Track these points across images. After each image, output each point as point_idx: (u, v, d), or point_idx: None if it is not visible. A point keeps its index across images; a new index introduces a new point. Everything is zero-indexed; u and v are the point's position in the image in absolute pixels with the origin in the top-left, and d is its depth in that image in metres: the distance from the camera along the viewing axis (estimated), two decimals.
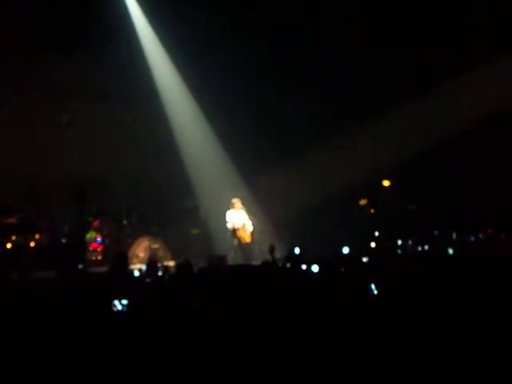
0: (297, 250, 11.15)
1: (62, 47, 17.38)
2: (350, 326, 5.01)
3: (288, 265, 9.36)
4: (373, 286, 5.91)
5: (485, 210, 16.12)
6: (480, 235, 13.38)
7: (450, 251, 9.58)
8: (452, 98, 17.28)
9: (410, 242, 14.21)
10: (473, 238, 13.58)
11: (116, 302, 6.02)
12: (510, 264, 6.84)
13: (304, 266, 8.45)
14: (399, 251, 10.92)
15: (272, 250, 10.90)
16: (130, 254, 14.76)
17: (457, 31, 16.81)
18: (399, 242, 14.46)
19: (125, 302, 6.10)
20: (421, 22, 17.01)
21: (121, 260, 8.59)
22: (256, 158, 19.00)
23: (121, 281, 7.61)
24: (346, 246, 11.36)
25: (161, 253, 16.73)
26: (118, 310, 6.06)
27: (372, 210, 18.59)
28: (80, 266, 14.99)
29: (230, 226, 15.71)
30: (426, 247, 12.34)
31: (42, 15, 16.75)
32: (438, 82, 17.40)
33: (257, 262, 10.41)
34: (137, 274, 10.55)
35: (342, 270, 8.05)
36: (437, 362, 4.51)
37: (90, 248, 16.42)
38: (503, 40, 16.66)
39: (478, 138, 17.10)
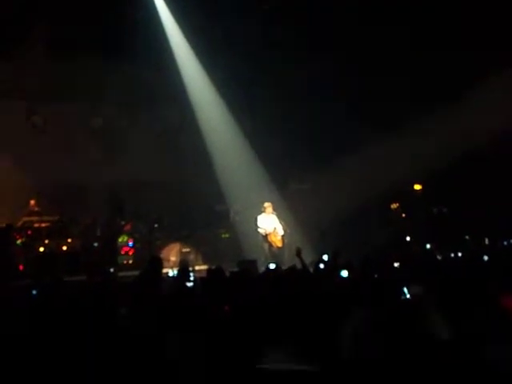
0: (325, 257, 11.04)
1: (93, 53, 17.57)
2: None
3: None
4: (405, 290, 5.87)
5: None
6: None
7: (485, 258, 9.31)
8: (486, 98, 17.03)
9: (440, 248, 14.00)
10: (505, 243, 13.32)
11: None
12: None
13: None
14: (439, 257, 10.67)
15: (299, 253, 10.78)
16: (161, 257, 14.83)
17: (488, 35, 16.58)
18: (428, 246, 14.24)
19: None
20: (447, 29, 16.84)
21: (155, 265, 8.60)
22: (286, 162, 18.98)
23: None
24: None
25: (192, 257, 16.81)
26: None
27: (403, 215, 18.43)
28: (111, 270, 15.10)
29: (261, 230, 15.69)
30: (460, 254, 12.06)
31: (71, 20, 16.90)
32: (470, 84, 17.21)
33: (286, 266, 10.34)
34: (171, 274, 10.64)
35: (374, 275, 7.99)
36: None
37: (122, 252, 16.55)
38: None
39: None
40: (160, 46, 18.02)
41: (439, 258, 10.67)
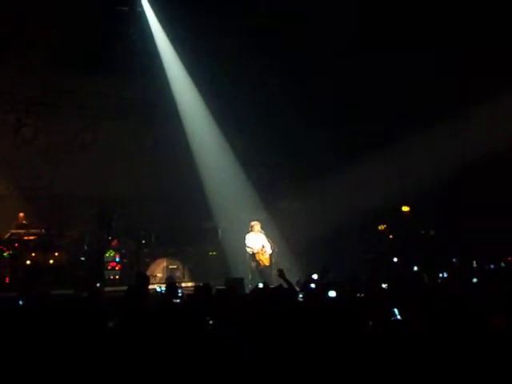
0: (314, 276, 11.03)
1: (84, 68, 17.54)
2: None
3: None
4: (396, 311, 5.85)
5: (505, 236, 15.94)
6: (502, 263, 13.08)
7: (474, 280, 9.29)
8: (474, 123, 17.15)
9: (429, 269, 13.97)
10: (492, 266, 13.32)
11: None
12: None
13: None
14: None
15: (281, 273, 10.78)
16: (147, 273, 14.76)
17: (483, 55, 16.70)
18: (415, 268, 14.22)
19: None
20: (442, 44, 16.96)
21: (142, 281, 8.58)
22: (275, 181, 19.00)
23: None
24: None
25: (178, 273, 16.76)
26: None
27: (391, 236, 18.46)
28: (98, 285, 15.00)
29: (248, 248, 15.64)
30: (445, 274, 12.05)
31: (65, 35, 16.88)
32: (459, 107, 17.31)
33: (274, 285, 10.32)
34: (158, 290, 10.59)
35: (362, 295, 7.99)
36: None
37: (109, 267, 16.47)
38: None
39: (500, 164, 17.00)
40: (152, 63, 18.03)
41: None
